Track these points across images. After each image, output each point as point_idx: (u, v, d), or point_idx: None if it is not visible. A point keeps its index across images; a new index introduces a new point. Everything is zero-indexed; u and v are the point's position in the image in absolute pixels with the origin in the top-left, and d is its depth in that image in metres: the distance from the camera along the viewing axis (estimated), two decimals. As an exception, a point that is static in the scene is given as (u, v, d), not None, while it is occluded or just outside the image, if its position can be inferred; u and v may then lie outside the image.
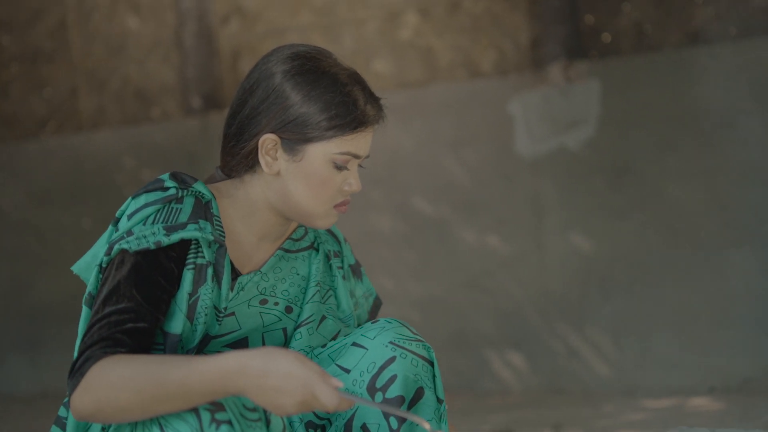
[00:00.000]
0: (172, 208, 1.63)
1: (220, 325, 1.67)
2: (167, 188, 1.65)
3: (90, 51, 4.79)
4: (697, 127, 3.57)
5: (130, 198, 1.66)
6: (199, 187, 1.67)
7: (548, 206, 3.78)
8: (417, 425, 1.68)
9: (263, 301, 1.72)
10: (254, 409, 1.51)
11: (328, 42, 4.23)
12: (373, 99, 1.68)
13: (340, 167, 1.66)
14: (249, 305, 1.70)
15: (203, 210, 1.65)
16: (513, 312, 3.84)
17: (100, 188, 4.64)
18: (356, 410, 1.69)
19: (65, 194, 4.73)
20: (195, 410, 1.47)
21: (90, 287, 1.64)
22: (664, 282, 3.61)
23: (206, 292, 1.63)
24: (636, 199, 3.65)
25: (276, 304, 1.73)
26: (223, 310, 1.66)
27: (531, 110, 3.81)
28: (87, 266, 1.71)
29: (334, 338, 1.78)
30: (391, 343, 1.69)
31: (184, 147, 4.47)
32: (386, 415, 1.66)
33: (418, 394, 1.68)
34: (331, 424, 1.73)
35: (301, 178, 1.65)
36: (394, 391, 1.66)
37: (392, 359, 1.67)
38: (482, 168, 3.90)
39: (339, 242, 1.86)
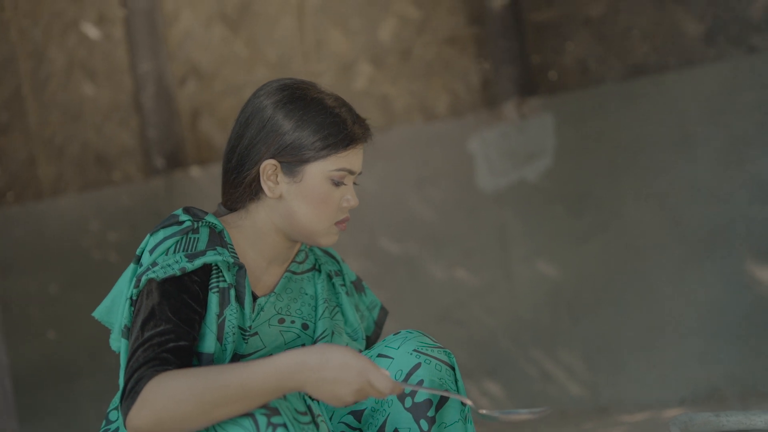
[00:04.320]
0: (190, 238, 1.73)
1: (246, 344, 1.77)
2: (182, 222, 1.76)
3: (47, 119, 4.85)
4: (647, 152, 3.77)
5: (148, 235, 1.76)
6: (210, 219, 1.78)
7: (513, 236, 3.94)
8: (446, 427, 1.79)
9: (281, 321, 1.81)
10: (305, 413, 1.60)
11: (285, 95, 4.35)
12: (360, 119, 1.81)
13: (337, 183, 1.77)
14: (269, 325, 1.79)
15: (218, 238, 1.76)
16: (486, 341, 3.97)
17: (66, 253, 4.67)
18: (388, 416, 1.79)
19: (29, 261, 4.75)
20: (251, 416, 1.56)
21: (124, 320, 1.72)
22: (628, 300, 3.78)
23: (231, 313, 1.72)
24: (596, 223, 3.83)
25: (293, 322, 1.83)
26: (248, 329, 1.75)
27: (489, 146, 3.98)
28: (107, 310, 1.80)
29: None
30: (415, 351, 1.80)
31: (149, 207, 4.53)
32: (416, 419, 1.77)
33: (444, 397, 1.79)
34: (363, 433, 1.83)
35: (303, 198, 1.76)
36: (421, 396, 1.77)
37: (417, 366, 1.77)
38: (446, 204, 4.05)
39: (337, 262, 1.97)
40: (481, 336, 3.97)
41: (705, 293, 3.67)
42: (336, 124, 1.76)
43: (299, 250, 1.89)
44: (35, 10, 4.87)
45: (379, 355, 1.82)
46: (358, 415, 1.82)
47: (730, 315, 3.63)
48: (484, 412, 1.64)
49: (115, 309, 1.79)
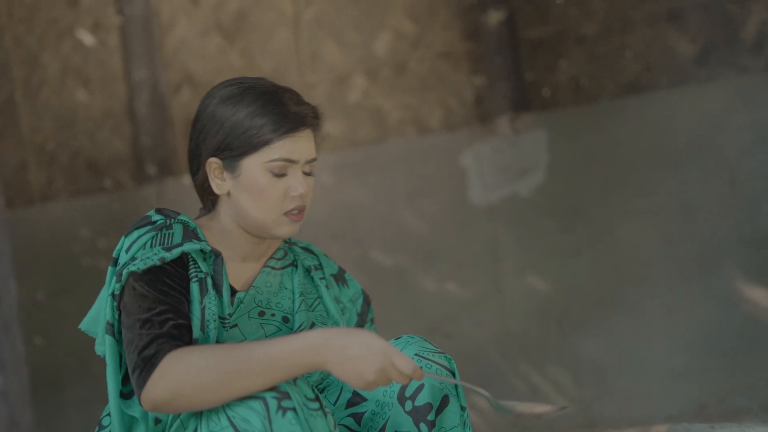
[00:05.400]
0: (165, 233, 1.73)
1: (227, 333, 1.76)
2: (155, 221, 1.76)
3: (39, 125, 4.85)
4: (638, 169, 3.80)
5: (122, 237, 1.75)
6: (183, 217, 1.78)
7: (504, 250, 3.96)
8: (446, 431, 1.80)
9: (261, 313, 1.81)
10: (314, 399, 1.61)
11: (279, 106, 4.36)
12: (300, 106, 1.75)
13: (278, 175, 1.74)
14: (249, 317, 1.79)
15: (192, 233, 1.76)
16: (475, 354, 3.98)
17: (55, 259, 4.66)
18: (388, 419, 1.79)
19: (19, 267, 4.73)
20: (262, 398, 1.56)
21: (107, 317, 1.72)
22: (617, 316, 3.80)
23: (210, 301, 1.72)
24: (586, 239, 3.85)
25: (273, 315, 1.82)
26: (227, 317, 1.75)
27: (483, 161, 4.01)
28: (93, 321, 1.80)
29: None
30: (416, 355, 1.80)
31: (140, 214, 4.52)
32: (416, 422, 1.77)
33: (444, 401, 1.79)
34: (364, 436, 1.84)
35: (245, 192, 1.75)
36: (422, 399, 1.77)
37: (418, 370, 1.79)
38: (439, 218, 4.07)
39: (317, 256, 1.94)
40: (471, 349, 3.98)
41: (694, 311, 3.70)
42: (267, 114, 1.73)
43: (279, 248, 1.89)
44: (31, 17, 4.88)
45: (381, 358, 1.82)
46: (358, 417, 1.82)
47: (718, 333, 3.66)
48: (502, 403, 1.65)
49: (99, 317, 1.79)
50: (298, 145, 1.74)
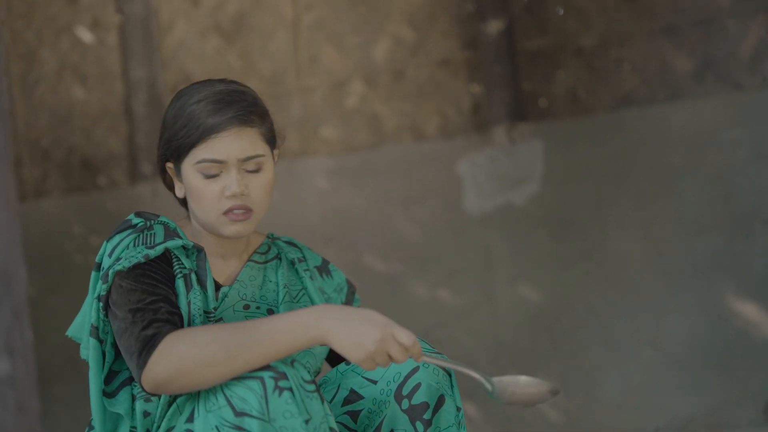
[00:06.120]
0: (147, 234, 1.76)
1: None
2: (136, 224, 1.79)
3: (35, 121, 4.85)
4: (633, 182, 3.83)
5: (104, 242, 1.77)
6: (163, 218, 1.81)
7: (497, 259, 3.97)
8: (441, 431, 1.81)
9: (246, 306, 1.83)
10: (311, 382, 1.62)
11: (277, 110, 4.36)
12: (230, 105, 1.74)
13: (210, 176, 1.74)
14: (234, 311, 1.81)
15: (173, 233, 1.78)
16: (466, 362, 3.97)
17: (47, 256, 4.65)
18: (384, 417, 1.80)
19: (10, 263, 4.72)
20: (260, 378, 1.58)
21: (92, 320, 1.73)
22: (607, 328, 3.81)
23: (195, 296, 1.74)
24: (579, 250, 3.87)
25: (258, 308, 1.84)
26: (213, 311, 1.77)
27: (478, 169, 4.03)
28: (80, 327, 1.82)
29: None
30: (413, 354, 1.82)
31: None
32: (413, 421, 1.79)
33: (440, 401, 1.82)
34: (360, 436, 1.85)
35: (188, 193, 1.78)
36: (419, 398, 1.79)
37: (416, 369, 1.80)
38: (433, 225, 4.08)
39: (300, 249, 1.97)
40: (461, 357, 3.99)
41: (684, 324, 3.72)
42: (190, 118, 1.73)
43: (262, 243, 1.91)
44: (30, 13, 4.88)
45: (378, 357, 1.83)
46: (354, 415, 1.83)
47: (708, 346, 3.68)
48: (496, 381, 1.69)
49: (85, 323, 1.79)
50: (226, 145, 1.73)
